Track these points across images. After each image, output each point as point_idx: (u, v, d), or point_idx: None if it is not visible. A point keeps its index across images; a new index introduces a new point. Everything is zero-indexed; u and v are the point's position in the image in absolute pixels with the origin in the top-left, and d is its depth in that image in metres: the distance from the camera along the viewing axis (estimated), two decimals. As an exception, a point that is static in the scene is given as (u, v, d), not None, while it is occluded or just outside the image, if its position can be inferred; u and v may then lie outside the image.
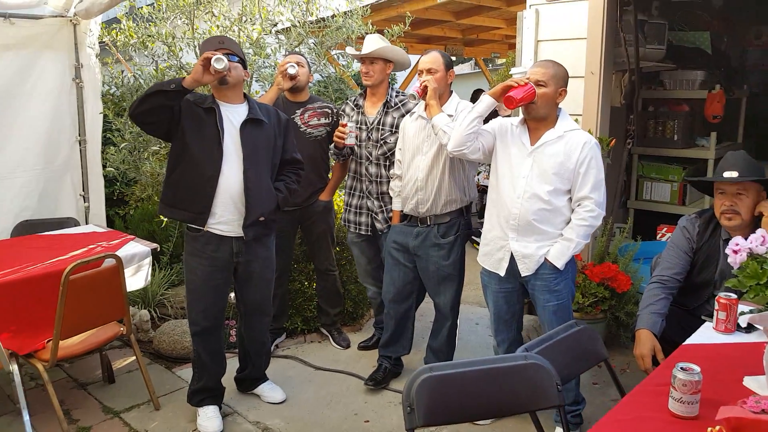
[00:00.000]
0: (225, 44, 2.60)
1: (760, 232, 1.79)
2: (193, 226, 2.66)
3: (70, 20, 3.97)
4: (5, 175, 3.83)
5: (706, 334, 2.01)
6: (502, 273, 2.54)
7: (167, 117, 2.50)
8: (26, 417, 2.57)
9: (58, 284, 2.58)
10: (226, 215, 2.62)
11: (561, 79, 2.44)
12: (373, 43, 3.15)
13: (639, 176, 4.49)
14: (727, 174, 2.36)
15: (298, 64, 3.21)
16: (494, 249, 2.57)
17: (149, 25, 4.01)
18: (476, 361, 1.71)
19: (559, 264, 2.43)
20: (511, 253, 2.50)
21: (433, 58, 2.83)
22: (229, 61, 2.51)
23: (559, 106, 2.51)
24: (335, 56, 4.64)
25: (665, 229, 4.08)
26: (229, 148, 2.58)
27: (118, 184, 4.25)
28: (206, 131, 2.57)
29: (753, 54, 5.22)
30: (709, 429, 1.27)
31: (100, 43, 4.12)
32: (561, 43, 3.57)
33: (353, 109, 3.25)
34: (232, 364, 3.05)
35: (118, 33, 3.91)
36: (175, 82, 2.45)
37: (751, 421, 1.14)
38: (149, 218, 4.42)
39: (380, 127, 3.15)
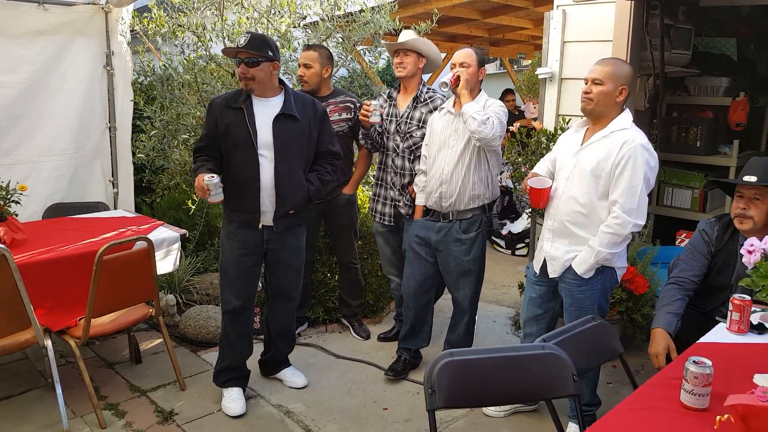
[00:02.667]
0: (246, 47, 2.58)
1: None
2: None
3: (102, 8, 4.07)
4: (37, 159, 3.95)
5: (719, 334, 2.04)
6: (537, 270, 2.60)
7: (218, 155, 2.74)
8: (59, 391, 2.66)
9: (90, 264, 2.69)
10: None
11: (622, 77, 2.36)
12: (408, 35, 3.24)
13: (660, 182, 4.48)
14: (746, 178, 2.38)
15: (305, 65, 3.28)
16: (538, 248, 2.64)
17: (179, 15, 4.10)
18: (495, 349, 1.77)
19: (580, 271, 2.40)
20: None
21: (466, 53, 2.90)
22: (250, 66, 2.59)
23: (625, 107, 2.43)
24: (361, 52, 4.70)
25: (684, 234, 4.09)
26: (262, 145, 2.65)
27: (146, 171, 4.35)
28: (240, 134, 2.64)
29: (776, 62, 5.20)
30: (718, 417, 1.32)
31: (131, 31, 4.22)
32: (587, 44, 3.60)
33: (386, 101, 3.33)
34: (258, 350, 3.13)
35: (150, 22, 4.00)
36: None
37: (759, 409, 1.19)
38: (176, 206, 4.52)
39: (408, 120, 3.22)
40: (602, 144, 2.38)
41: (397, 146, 3.26)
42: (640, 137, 2.34)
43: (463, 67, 2.87)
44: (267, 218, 2.74)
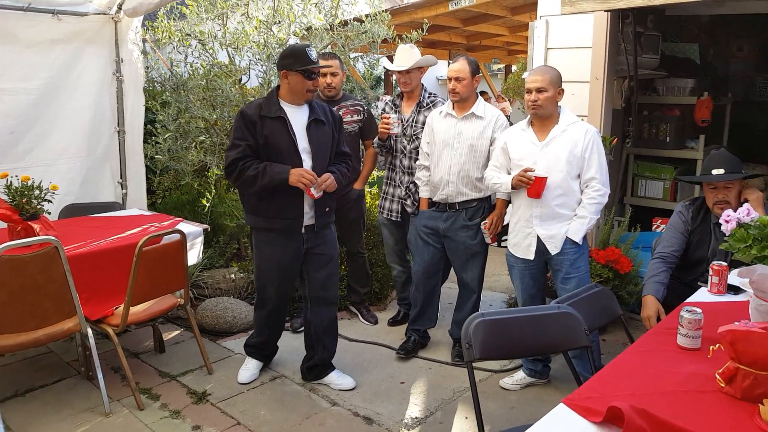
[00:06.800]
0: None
1: (745, 206, 2.22)
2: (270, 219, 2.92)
3: (112, 17, 4.26)
4: (50, 162, 4.10)
5: (702, 296, 2.38)
6: (532, 257, 2.90)
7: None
8: (101, 376, 2.85)
9: (123, 258, 2.91)
10: None
11: (556, 81, 2.80)
12: (408, 56, 3.48)
13: (634, 175, 4.88)
14: (715, 172, 2.76)
15: (332, 74, 3.54)
16: (521, 237, 2.94)
17: (182, 24, 4.31)
18: (518, 310, 2.06)
19: (577, 238, 2.81)
20: (538, 237, 2.86)
21: (460, 66, 3.13)
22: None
23: (560, 104, 2.88)
24: (354, 58, 4.97)
25: (659, 221, 4.48)
26: (301, 151, 2.85)
27: (155, 174, 4.52)
28: (282, 142, 2.80)
29: (735, 65, 5.69)
30: (711, 347, 1.63)
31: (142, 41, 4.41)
32: (568, 51, 3.96)
33: (392, 108, 3.61)
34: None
35: (162, 31, 4.20)
36: (279, 180, 2.76)
37: (743, 333, 1.49)
38: (181, 206, 4.71)
39: (414, 124, 3.51)
40: (564, 137, 2.82)
41: (404, 148, 3.54)
42: (592, 126, 2.86)
43: (458, 81, 3.11)
44: (307, 220, 2.91)
